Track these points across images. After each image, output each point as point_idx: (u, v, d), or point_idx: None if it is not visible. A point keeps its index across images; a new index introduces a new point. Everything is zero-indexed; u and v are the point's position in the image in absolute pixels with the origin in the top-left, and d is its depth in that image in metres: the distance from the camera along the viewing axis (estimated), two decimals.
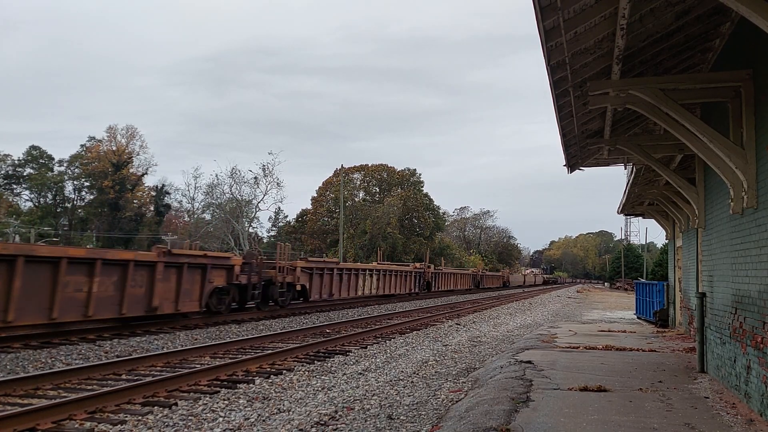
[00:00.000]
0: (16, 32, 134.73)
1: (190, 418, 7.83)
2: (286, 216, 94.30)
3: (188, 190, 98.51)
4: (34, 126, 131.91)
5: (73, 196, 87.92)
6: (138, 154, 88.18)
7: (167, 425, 7.46)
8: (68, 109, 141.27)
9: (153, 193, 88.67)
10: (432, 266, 47.82)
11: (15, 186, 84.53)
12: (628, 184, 18.22)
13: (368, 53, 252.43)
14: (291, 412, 8.23)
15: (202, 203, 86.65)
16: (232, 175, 75.59)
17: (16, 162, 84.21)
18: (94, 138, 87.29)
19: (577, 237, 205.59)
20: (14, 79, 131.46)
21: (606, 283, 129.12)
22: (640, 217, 28.49)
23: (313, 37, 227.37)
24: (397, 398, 9.20)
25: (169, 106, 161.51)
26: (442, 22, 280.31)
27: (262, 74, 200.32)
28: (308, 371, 11.48)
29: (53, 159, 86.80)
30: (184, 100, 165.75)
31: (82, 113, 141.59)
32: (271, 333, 16.84)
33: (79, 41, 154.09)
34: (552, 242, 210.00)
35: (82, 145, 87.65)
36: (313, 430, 7.35)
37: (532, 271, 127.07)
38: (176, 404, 8.48)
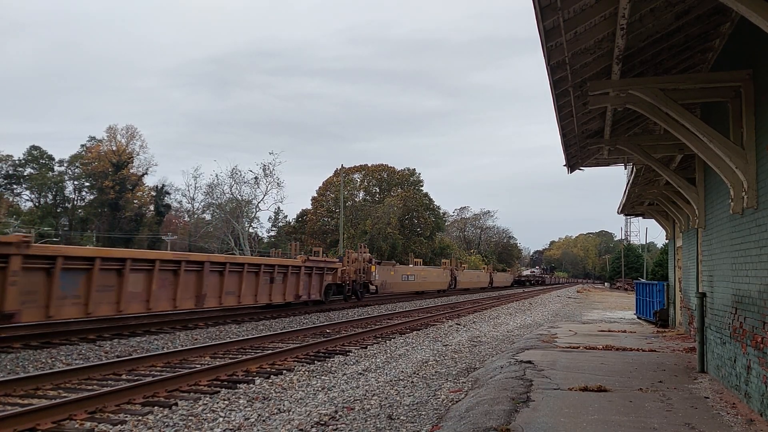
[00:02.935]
0: (21, 34, 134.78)
1: (190, 418, 7.83)
2: (286, 216, 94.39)
3: (188, 190, 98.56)
4: (38, 127, 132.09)
5: (73, 196, 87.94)
6: (138, 154, 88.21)
7: (167, 425, 7.46)
8: (71, 110, 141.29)
9: (153, 193, 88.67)
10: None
11: (15, 186, 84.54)
12: (628, 184, 18.22)
13: (370, 55, 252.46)
14: (291, 412, 8.23)
15: (202, 203, 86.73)
16: (232, 175, 75.60)
17: (16, 162, 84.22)
18: (94, 138, 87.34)
19: (577, 237, 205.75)
20: (18, 80, 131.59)
21: (606, 283, 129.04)
22: (640, 217, 28.49)
23: (315, 40, 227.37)
24: (397, 398, 9.20)
25: (172, 107, 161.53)
26: (444, 25, 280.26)
27: (264, 76, 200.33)
28: (308, 371, 11.48)
29: (53, 159, 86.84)
30: (186, 102, 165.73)
31: (86, 114, 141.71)
32: (271, 333, 16.85)
33: (82, 43, 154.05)
34: (552, 242, 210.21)
35: (82, 145, 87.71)
36: (314, 430, 7.35)
37: (527, 269, 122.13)
38: (176, 404, 8.48)
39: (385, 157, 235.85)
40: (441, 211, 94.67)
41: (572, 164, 14.01)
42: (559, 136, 11.52)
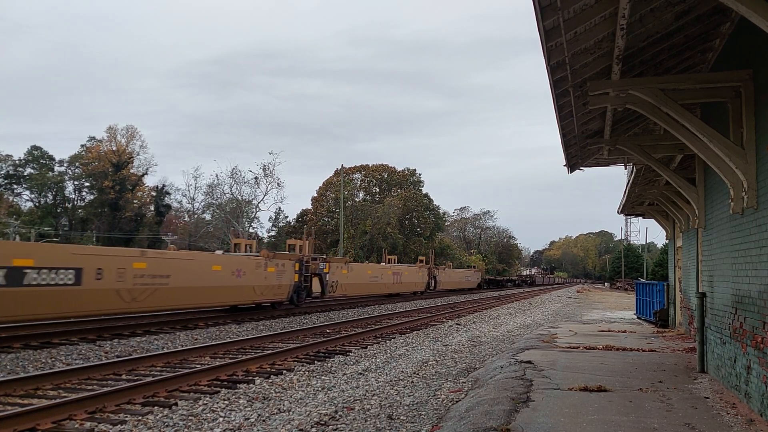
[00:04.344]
0: (23, 35, 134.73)
1: (190, 418, 7.83)
2: (287, 216, 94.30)
3: (188, 190, 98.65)
4: (39, 127, 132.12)
5: (73, 196, 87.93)
6: (138, 154, 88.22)
7: (167, 425, 7.46)
8: (73, 110, 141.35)
9: (153, 194, 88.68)
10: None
11: (15, 186, 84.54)
12: (628, 184, 18.22)
13: (371, 56, 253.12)
14: (291, 412, 8.23)
15: (203, 203, 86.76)
16: (232, 175, 75.66)
17: (16, 162, 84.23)
18: (94, 138, 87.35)
19: (577, 237, 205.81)
20: (19, 80, 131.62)
21: (606, 283, 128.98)
22: (640, 217, 28.48)
23: (316, 41, 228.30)
24: (397, 398, 9.20)
25: (173, 107, 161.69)
26: (445, 26, 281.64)
27: (266, 77, 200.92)
28: (308, 371, 11.48)
29: (54, 159, 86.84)
30: (188, 102, 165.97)
31: (87, 115, 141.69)
32: (271, 333, 16.84)
33: (85, 43, 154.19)
34: (552, 242, 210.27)
35: (82, 145, 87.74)
36: (313, 430, 7.35)
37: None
38: (176, 404, 8.48)
39: (386, 158, 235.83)
40: (441, 211, 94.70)
41: (572, 164, 14.01)
42: (559, 136, 11.53)
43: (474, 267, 76.41)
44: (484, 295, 53.94)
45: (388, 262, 44.45)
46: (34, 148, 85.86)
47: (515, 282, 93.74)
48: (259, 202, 77.17)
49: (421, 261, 51.52)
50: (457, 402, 8.75)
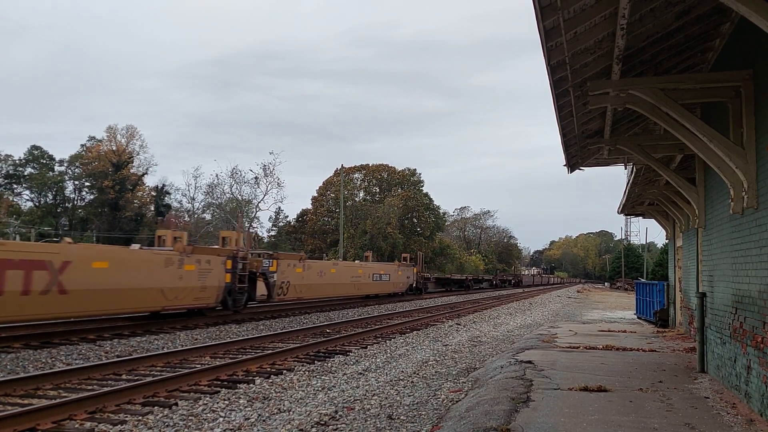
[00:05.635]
0: (24, 35, 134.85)
1: (190, 418, 7.83)
2: (287, 216, 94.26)
3: (188, 190, 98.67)
4: (40, 128, 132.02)
5: (73, 196, 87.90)
6: (138, 154, 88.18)
7: (167, 425, 7.47)
8: (73, 111, 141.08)
9: (153, 193, 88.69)
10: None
11: (15, 186, 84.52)
12: (628, 184, 18.22)
13: (372, 57, 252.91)
14: (291, 412, 8.23)
15: (203, 203, 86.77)
16: (232, 175, 75.66)
17: (16, 162, 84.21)
18: (94, 138, 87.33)
19: (577, 237, 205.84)
20: (21, 81, 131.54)
21: (606, 283, 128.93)
22: (640, 217, 28.50)
23: (317, 42, 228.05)
24: (398, 398, 9.20)
25: (174, 108, 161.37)
26: (445, 27, 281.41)
27: (266, 77, 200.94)
28: (308, 371, 11.48)
29: (54, 159, 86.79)
30: (189, 103, 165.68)
31: (88, 115, 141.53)
32: (271, 333, 16.85)
33: (86, 44, 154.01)
34: (552, 242, 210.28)
35: (82, 145, 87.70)
36: (314, 430, 7.35)
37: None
38: (176, 404, 8.48)
39: (386, 158, 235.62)
40: (441, 211, 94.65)
41: (572, 164, 14.01)
42: (560, 136, 11.53)
43: (404, 260, 44.38)
44: (483, 295, 53.50)
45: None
46: (34, 148, 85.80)
47: (492, 283, 66.09)
48: (259, 202, 77.21)
49: (225, 237, 23.66)
50: (457, 402, 8.75)
